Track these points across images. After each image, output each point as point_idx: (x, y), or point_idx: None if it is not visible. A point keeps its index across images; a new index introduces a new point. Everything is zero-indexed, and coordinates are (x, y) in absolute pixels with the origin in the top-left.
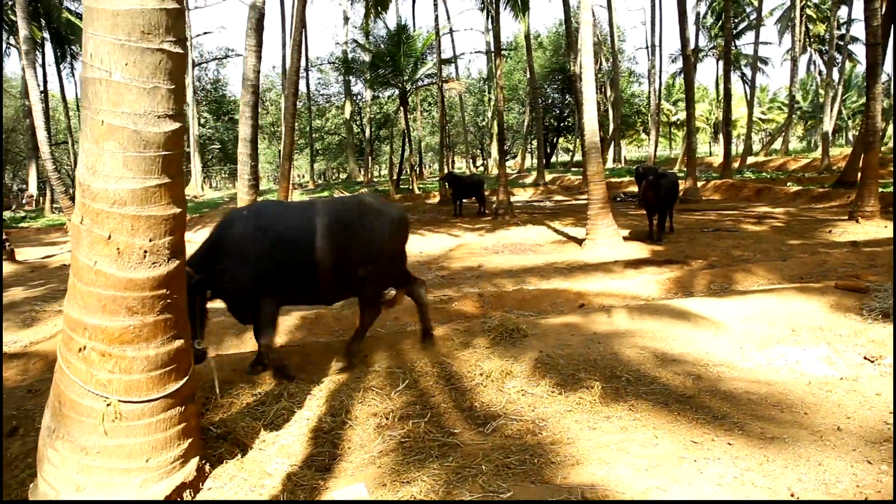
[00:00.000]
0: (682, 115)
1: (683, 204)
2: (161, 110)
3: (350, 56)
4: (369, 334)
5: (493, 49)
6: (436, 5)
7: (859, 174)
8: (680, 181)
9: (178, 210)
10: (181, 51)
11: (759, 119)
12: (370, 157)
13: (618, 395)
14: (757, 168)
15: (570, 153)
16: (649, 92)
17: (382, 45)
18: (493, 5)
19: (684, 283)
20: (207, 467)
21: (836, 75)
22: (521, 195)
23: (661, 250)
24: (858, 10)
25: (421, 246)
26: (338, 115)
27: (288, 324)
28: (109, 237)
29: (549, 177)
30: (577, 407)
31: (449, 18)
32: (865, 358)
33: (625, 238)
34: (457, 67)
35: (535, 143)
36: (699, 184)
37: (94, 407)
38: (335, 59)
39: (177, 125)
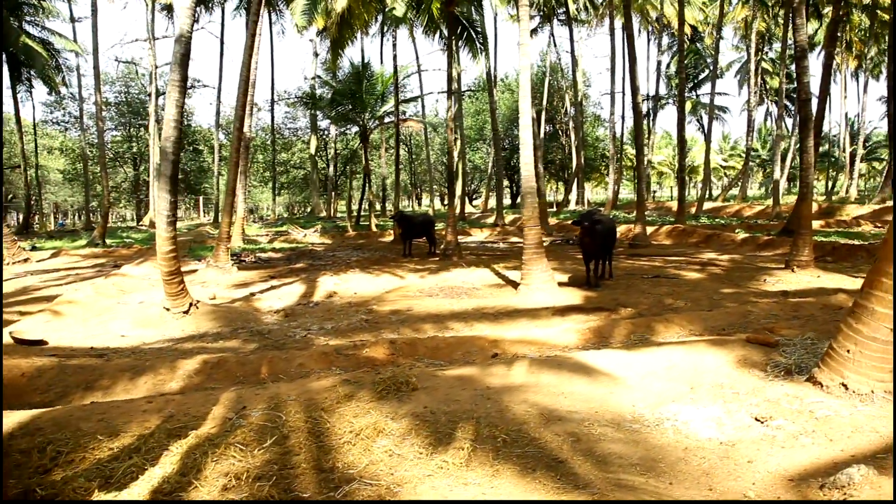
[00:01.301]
0: (651, 158)
1: (632, 249)
2: None
3: (318, 92)
4: (262, 383)
5: (448, 90)
6: (394, 45)
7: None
8: (631, 225)
9: None
10: None
11: (721, 165)
12: (333, 193)
13: (486, 459)
14: (713, 213)
15: None
16: (611, 136)
17: (344, 83)
18: (454, 47)
19: (604, 332)
20: None
21: (789, 126)
22: (478, 235)
23: (595, 297)
24: (814, 66)
25: (358, 287)
26: (304, 150)
27: (188, 368)
28: None
29: (509, 217)
30: (440, 471)
31: (417, 58)
32: (756, 419)
33: (564, 283)
34: (423, 106)
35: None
36: (651, 228)
37: None
38: (302, 94)
39: None
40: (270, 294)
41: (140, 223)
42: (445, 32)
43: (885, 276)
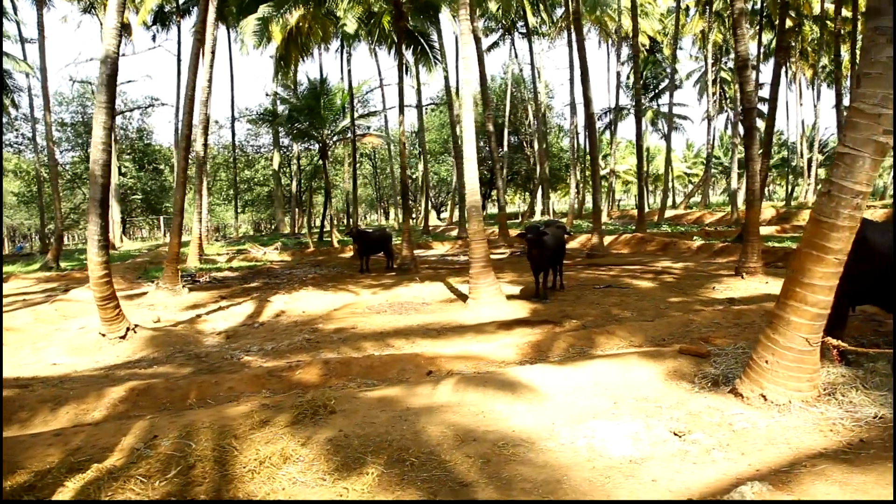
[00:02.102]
0: (616, 168)
1: (590, 259)
2: None
3: (280, 109)
4: (185, 410)
5: (400, 104)
6: (348, 61)
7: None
8: (590, 235)
9: None
10: None
11: (686, 173)
12: (297, 209)
13: (391, 484)
14: (675, 221)
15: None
16: (571, 146)
17: (303, 99)
18: (403, 61)
19: (543, 346)
20: None
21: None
22: (440, 249)
23: (543, 309)
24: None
25: (307, 305)
26: (267, 166)
27: (114, 396)
28: None
29: None
30: (339, 499)
31: (380, 72)
32: (674, 433)
33: (515, 296)
34: (386, 120)
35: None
36: (611, 237)
37: None
38: (264, 111)
39: None
40: (217, 315)
41: None
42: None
43: (799, 286)
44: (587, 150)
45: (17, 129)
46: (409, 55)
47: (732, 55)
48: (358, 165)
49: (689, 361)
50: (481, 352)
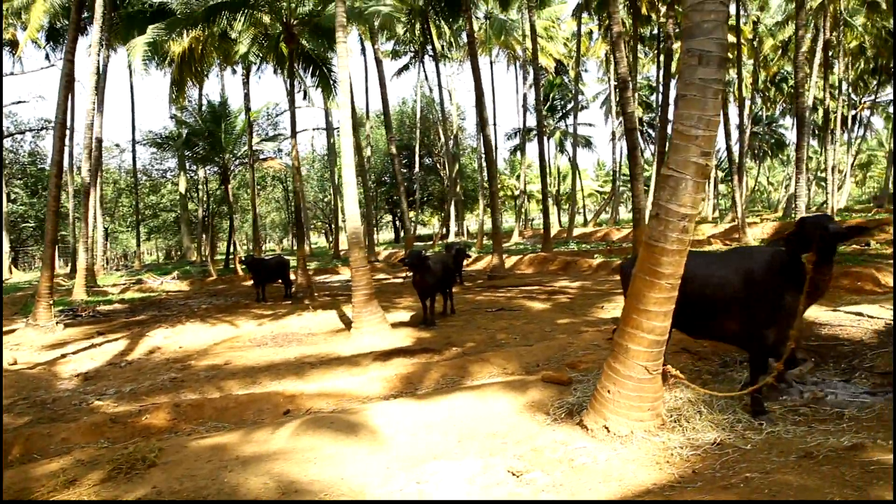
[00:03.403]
0: (528, 188)
1: (490, 280)
2: None
3: (180, 132)
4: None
5: (292, 131)
6: (245, 83)
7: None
8: (490, 256)
9: None
10: None
11: (598, 191)
12: (203, 235)
13: None
14: (584, 238)
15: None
16: (478, 167)
17: (202, 122)
18: (293, 85)
19: (415, 378)
20: None
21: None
22: (346, 274)
23: (428, 337)
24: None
25: (187, 339)
26: (174, 191)
27: None
28: None
29: (385, 253)
30: None
31: (291, 94)
32: (512, 473)
33: (405, 323)
34: (295, 144)
35: (380, 218)
36: (516, 258)
37: None
38: (167, 135)
39: None
40: (84, 354)
41: None
42: (301, 71)
43: (636, 313)
44: (502, 169)
45: None
46: (309, 79)
47: (639, 77)
48: (271, 189)
49: (551, 390)
50: (346, 387)
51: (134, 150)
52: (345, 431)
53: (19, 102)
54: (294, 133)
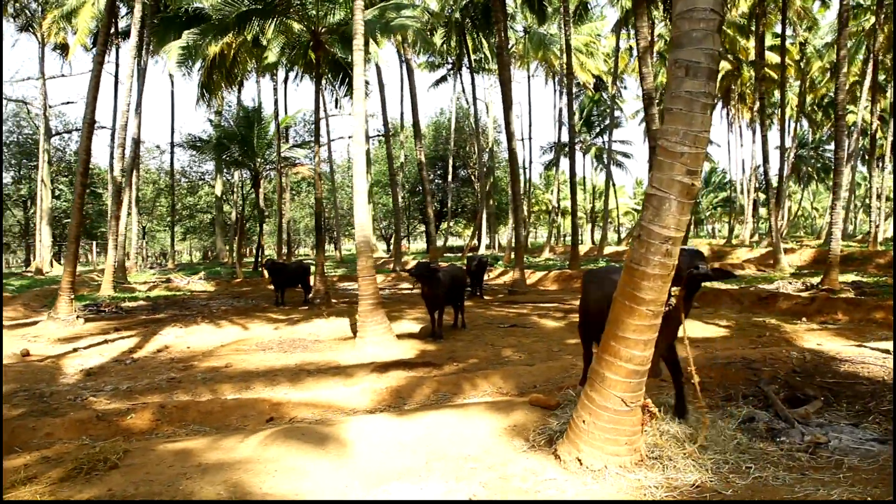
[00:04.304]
0: (565, 204)
1: (510, 295)
2: None
3: (215, 135)
4: None
5: (316, 136)
6: (275, 90)
7: None
8: (510, 271)
9: None
10: None
11: (634, 209)
12: (236, 238)
13: None
14: (614, 257)
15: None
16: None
17: (235, 127)
18: (322, 92)
19: (405, 392)
20: None
21: None
22: None
23: (432, 350)
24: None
25: (197, 340)
26: (210, 193)
27: None
28: None
29: (413, 262)
30: None
31: (323, 101)
32: (471, 500)
33: (413, 335)
34: (330, 151)
35: (413, 227)
36: (541, 273)
37: None
38: (205, 138)
39: None
40: (95, 350)
41: (27, 269)
42: (332, 79)
43: (614, 340)
44: (537, 183)
45: None
46: (339, 87)
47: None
48: (306, 195)
49: (537, 414)
50: (335, 398)
51: (172, 152)
52: (314, 443)
53: (68, 103)
54: (318, 140)
